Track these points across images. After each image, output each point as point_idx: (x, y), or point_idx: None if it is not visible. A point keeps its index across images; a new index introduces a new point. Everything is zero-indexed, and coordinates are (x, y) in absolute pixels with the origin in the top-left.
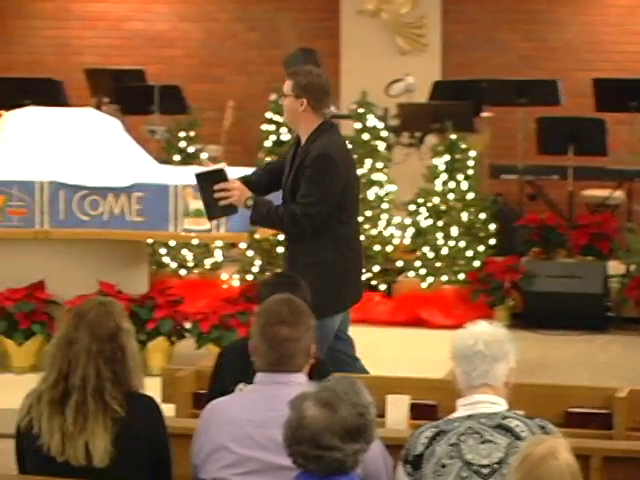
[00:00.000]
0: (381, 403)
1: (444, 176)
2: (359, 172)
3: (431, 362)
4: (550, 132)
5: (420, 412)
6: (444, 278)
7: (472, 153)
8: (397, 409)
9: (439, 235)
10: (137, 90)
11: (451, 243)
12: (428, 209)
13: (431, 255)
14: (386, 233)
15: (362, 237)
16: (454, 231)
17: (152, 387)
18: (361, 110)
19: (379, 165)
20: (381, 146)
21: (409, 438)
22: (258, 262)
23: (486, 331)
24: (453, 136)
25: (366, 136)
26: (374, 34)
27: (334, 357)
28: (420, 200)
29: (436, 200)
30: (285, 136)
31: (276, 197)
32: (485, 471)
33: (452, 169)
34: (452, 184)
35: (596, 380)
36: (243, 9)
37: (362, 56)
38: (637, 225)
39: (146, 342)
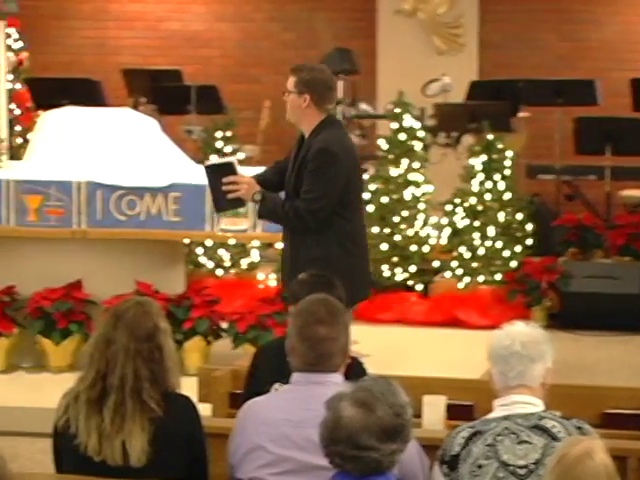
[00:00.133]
0: (417, 404)
1: (481, 176)
2: (395, 172)
3: (467, 362)
4: (587, 132)
5: (456, 412)
6: (481, 278)
7: (509, 153)
8: (433, 409)
9: (476, 235)
10: (174, 90)
11: (488, 243)
12: (465, 209)
13: (468, 255)
14: (422, 233)
15: (398, 237)
16: (491, 231)
17: (189, 387)
18: (398, 110)
19: (416, 165)
20: (418, 146)
21: (445, 438)
22: None
23: (523, 332)
24: (490, 136)
25: (403, 136)
26: (411, 34)
27: None
28: (457, 200)
29: (473, 200)
30: None
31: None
32: (522, 472)
33: (489, 169)
34: (489, 184)
35: (633, 381)
36: (279, 9)
37: (399, 56)
38: None
39: (183, 342)
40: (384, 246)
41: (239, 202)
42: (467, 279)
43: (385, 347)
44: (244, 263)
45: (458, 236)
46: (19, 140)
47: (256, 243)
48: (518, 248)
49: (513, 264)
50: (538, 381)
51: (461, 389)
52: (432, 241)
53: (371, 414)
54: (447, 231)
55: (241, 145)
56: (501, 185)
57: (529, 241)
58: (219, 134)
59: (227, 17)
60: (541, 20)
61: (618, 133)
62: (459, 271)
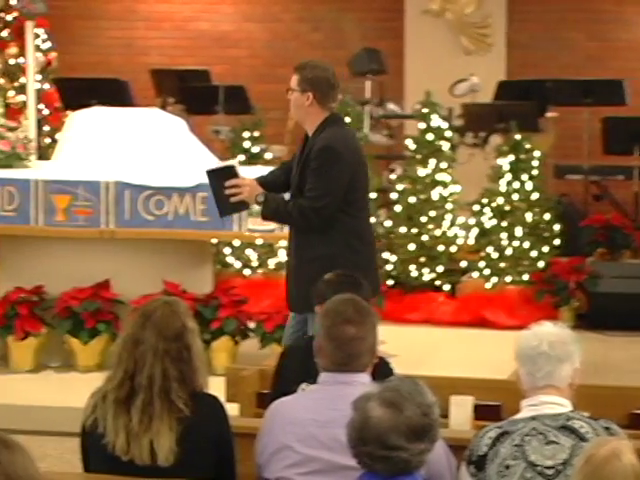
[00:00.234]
0: (445, 404)
1: (508, 176)
2: (423, 172)
3: (495, 363)
4: (615, 132)
5: (484, 413)
6: (508, 279)
7: (537, 153)
8: (461, 410)
9: (503, 235)
10: (202, 90)
11: (515, 243)
12: (492, 209)
13: (495, 255)
14: (450, 233)
15: (426, 237)
16: (518, 231)
17: (216, 386)
18: (425, 110)
19: (443, 165)
20: (445, 146)
21: (473, 439)
22: None
23: (551, 332)
24: (518, 136)
25: (430, 136)
26: (439, 34)
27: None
28: (484, 200)
29: (500, 200)
30: None
31: None
32: (549, 472)
33: (517, 169)
34: (516, 184)
35: None
36: (307, 9)
37: (426, 56)
38: None
39: (210, 342)
40: (412, 246)
41: (242, 205)
42: (494, 279)
43: (412, 347)
44: (271, 263)
45: (486, 236)
46: (47, 140)
47: (283, 243)
48: (546, 248)
49: (541, 264)
50: (566, 381)
51: (489, 389)
52: (460, 241)
53: (400, 414)
54: (474, 231)
55: (268, 145)
56: (529, 185)
57: (557, 241)
58: (247, 134)
59: (255, 17)
60: (570, 20)
61: None
62: (486, 271)
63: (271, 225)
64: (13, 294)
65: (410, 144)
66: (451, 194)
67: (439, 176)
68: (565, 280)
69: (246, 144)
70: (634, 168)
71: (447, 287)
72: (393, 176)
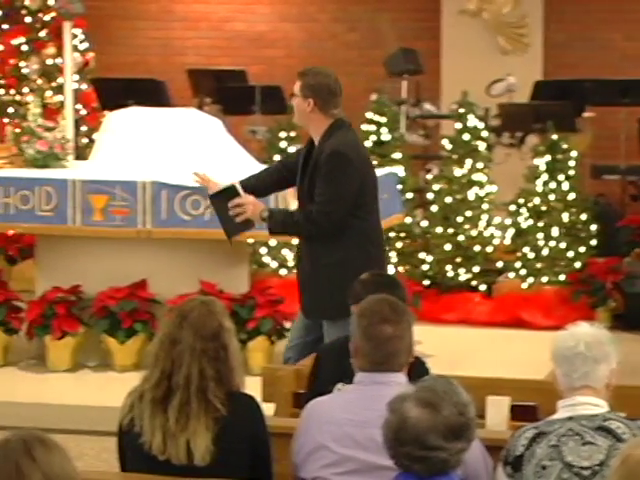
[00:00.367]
0: (481, 404)
1: (545, 176)
2: (459, 172)
3: (531, 363)
4: None
5: (520, 413)
6: (545, 279)
7: (573, 153)
8: (497, 410)
9: (540, 236)
10: (238, 90)
11: (552, 244)
12: (529, 209)
13: (532, 256)
14: (486, 233)
15: (462, 237)
16: (555, 232)
17: (252, 386)
18: (462, 110)
19: (479, 165)
20: (482, 146)
21: (509, 439)
22: None
23: (587, 332)
24: (554, 136)
25: (466, 136)
26: (475, 34)
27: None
28: (521, 200)
29: (537, 200)
30: (386, 136)
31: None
32: (586, 473)
33: (553, 169)
34: (553, 184)
35: None
36: (343, 10)
37: (463, 56)
38: None
39: (246, 341)
40: (448, 246)
41: (248, 223)
42: (531, 279)
43: (449, 347)
44: None
45: (522, 236)
46: (85, 140)
47: None
48: (582, 249)
49: (577, 265)
50: (602, 382)
51: (525, 390)
52: (496, 241)
53: (437, 414)
54: (511, 231)
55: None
56: (565, 185)
57: (593, 242)
58: (283, 134)
59: (292, 17)
60: (606, 20)
61: None
62: (523, 271)
63: None
64: (51, 294)
65: (446, 144)
66: (487, 194)
67: (475, 176)
68: (602, 280)
69: (282, 144)
70: None
71: (483, 287)
72: (429, 176)
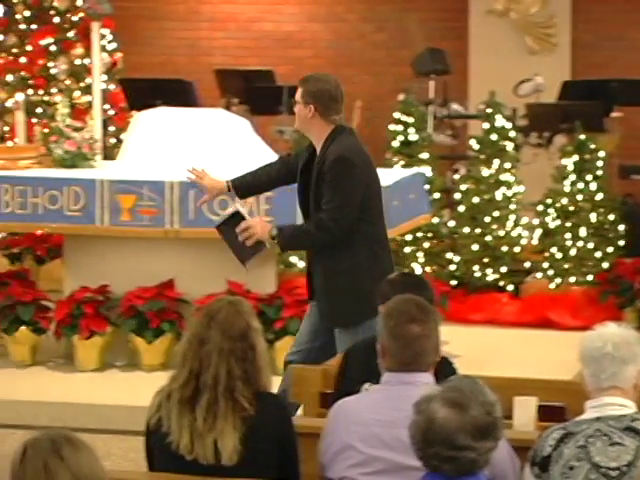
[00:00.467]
0: (508, 405)
1: (573, 176)
2: (487, 172)
3: (559, 363)
4: None
5: (548, 414)
6: (572, 279)
7: (601, 153)
8: (525, 411)
9: (567, 236)
10: (266, 91)
11: (579, 244)
12: (556, 210)
13: (559, 256)
14: (514, 234)
15: (489, 237)
16: (582, 232)
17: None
18: (489, 110)
19: (507, 165)
20: (509, 146)
21: (537, 440)
22: None
23: (615, 333)
24: (582, 136)
25: (494, 136)
26: (503, 34)
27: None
28: (548, 201)
29: (564, 201)
30: (413, 136)
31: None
32: (613, 474)
33: (581, 169)
34: (581, 185)
35: None
36: (371, 9)
37: (491, 56)
38: None
39: (274, 341)
40: (475, 246)
41: (259, 245)
42: (558, 280)
43: (476, 348)
44: None
45: (549, 237)
46: (113, 140)
47: None
48: (610, 249)
49: (605, 265)
50: (630, 383)
51: (552, 390)
52: (523, 241)
53: (465, 414)
54: (538, 232)
55: None
56: (593, 185)
57: (621, 242)
58: None
59: (319, 18)
60: (635, 20)
61: None
62: (550, 272)
63: None
64: (78, 293)
65: (474, 144)
66: (515, 194)
67: (503, 176)
68: (630, 281)
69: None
70: None
71: (511, 287)
72: (457, 176)
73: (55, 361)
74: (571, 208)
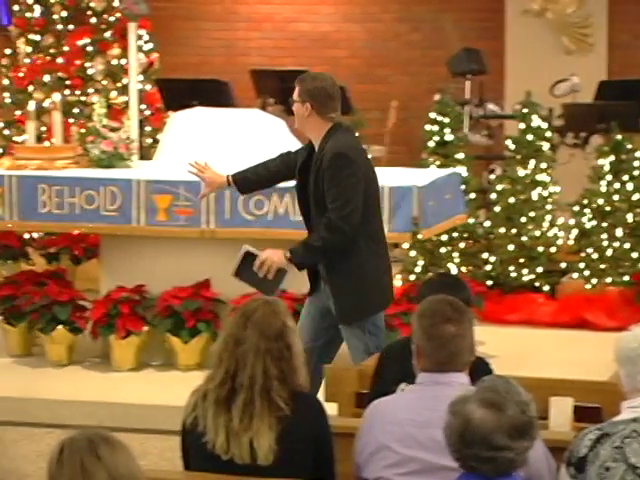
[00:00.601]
0: (544, 405)
1: (609, 177)
2: (523, 172)
3: (595, 364)
4: None
5: (584, 414)
6: (608, 280)
7: (638, 153)
8: (560, 411)
9: (604, 236)
10: None
11: (616, 244)
12: (592, 210)
13: (595, 256)
14: (550, 234)
15: (525, 238)
16: (619, 232)
17: None
18: (525, 110)
19: (543, 165)
20: (545, 146)
21: (573, 440)
22: (421, 262)
23: None
24: (619, 136)
25: (530, 136)
26: (539, 34)
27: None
28: (584, 201)
29: (601, 201)
30: (449, 136)
31: None
32: None
33: (617, 170)
34: (617, 185)
35: None
36: (407, 10)
37: (527, 56)
38: None
39: None
40: (511, 247)
41: (280, 273)
42: (595, 280)
43: (512, 348)
44: None
45: (586, 237)
46: (149, 140)
47: None
48: None
49: None
50: None
51: (589, 391)
52: (559, 242)
53: (502, 414)
54: (574, 232)
55: (369, 145)
56: (629, 186)
57: None
58: None
59: (355, 18)
60: None
61: None
62: (586, 272)
63: None
64: (115, 293)
65: (510, 144)
66: (551, 194)
67: (539, 176)
68: None
69: None
70: None
71: (547, 288)
72: (492, 176)
73: (91, 361)
74: (607, 208)
